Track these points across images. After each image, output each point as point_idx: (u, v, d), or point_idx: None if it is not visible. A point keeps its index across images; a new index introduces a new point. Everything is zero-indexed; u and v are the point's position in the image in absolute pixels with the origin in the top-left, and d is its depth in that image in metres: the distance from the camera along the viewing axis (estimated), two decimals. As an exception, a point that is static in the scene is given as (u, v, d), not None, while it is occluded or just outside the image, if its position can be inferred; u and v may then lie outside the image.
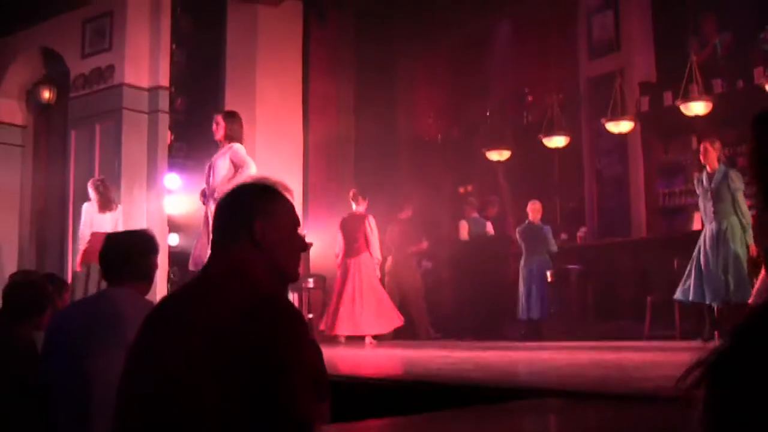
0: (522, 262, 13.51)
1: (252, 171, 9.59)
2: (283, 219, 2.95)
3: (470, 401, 3.98)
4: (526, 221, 13.75)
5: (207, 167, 9.98)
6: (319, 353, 3.12)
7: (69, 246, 14.25)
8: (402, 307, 14.10)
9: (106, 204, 12.69)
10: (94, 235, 12.20)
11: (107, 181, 12.96)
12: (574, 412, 3.28)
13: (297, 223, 3.02)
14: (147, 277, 4.44)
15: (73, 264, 13.16)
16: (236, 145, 9.75)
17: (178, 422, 2.51)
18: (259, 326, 2.55)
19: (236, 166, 9.64)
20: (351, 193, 13.99)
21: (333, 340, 13.03)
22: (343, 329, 13.20)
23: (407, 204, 14.96)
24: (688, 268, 10.69)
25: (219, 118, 9.93)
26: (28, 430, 4.24)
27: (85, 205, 12.82)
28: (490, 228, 14.96)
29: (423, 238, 15.24)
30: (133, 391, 2.68)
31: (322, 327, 13.43)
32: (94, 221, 12.57)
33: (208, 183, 9.88)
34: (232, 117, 10.02)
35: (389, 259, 14.64)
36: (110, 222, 12.52)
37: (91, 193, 12.73)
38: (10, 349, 5.10)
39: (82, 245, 12.65)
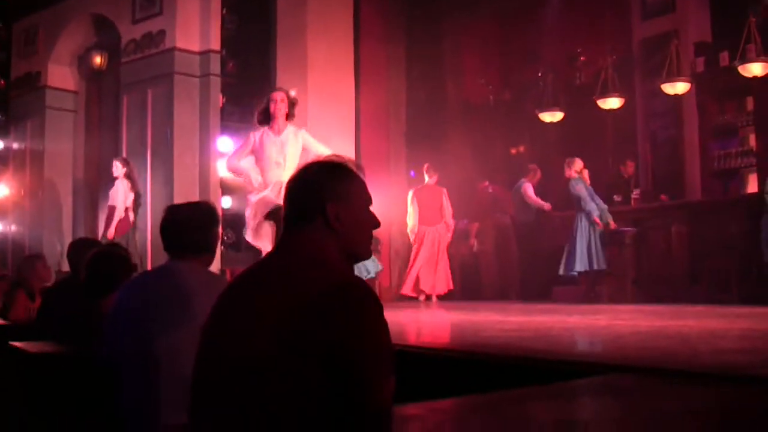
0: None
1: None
2: (355, 200, 2.93)
3: (533, 377, 3.95)
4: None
5: (256, 140, 9.61)
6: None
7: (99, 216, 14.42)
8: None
9: (133, 183, 13.15)
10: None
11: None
12: (647, 391, 3.23)
13: (369, 202, 3.00)
14: (210, 250, 4.41)
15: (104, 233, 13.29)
16: (303, 130, 9.55)
17: (256, 404, 2.51)
18: (339, 311, 2.54)
19: (311, 150, 9.46)
20: (425, 167, 14.89)
21: (408, 299, 14.26)
22: (425, 288, 14.52)
23: (433, 170, 14.91)
24: None
25: (284, 95, 9.58)
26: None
27: (124, 181, 13.15)
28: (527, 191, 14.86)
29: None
30: (210, 373, 2.68)
31: (403, 291, 14.76)
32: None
33: (260, 157, 9.55)
34: (291, 97, 9.67)
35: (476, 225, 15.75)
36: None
37: (122, 170, 13.11)
38: (92, 320, 5.08)
39: (117, 217, 13.00)
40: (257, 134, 9.58)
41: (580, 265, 12.86)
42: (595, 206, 12.88)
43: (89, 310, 5.22)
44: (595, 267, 12.81)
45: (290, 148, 9.42)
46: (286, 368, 2.48)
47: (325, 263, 2.75)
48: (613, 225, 12.94)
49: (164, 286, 4.13)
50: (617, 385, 3.39)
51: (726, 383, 3.41)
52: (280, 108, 9.42)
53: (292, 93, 9.86)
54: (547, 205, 14.71)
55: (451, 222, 14.77)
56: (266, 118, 9.54)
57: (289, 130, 9.48)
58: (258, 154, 9.49)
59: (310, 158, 9.25)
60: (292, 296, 2.58)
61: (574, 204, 13.15)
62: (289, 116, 9.52)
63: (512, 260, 15.38)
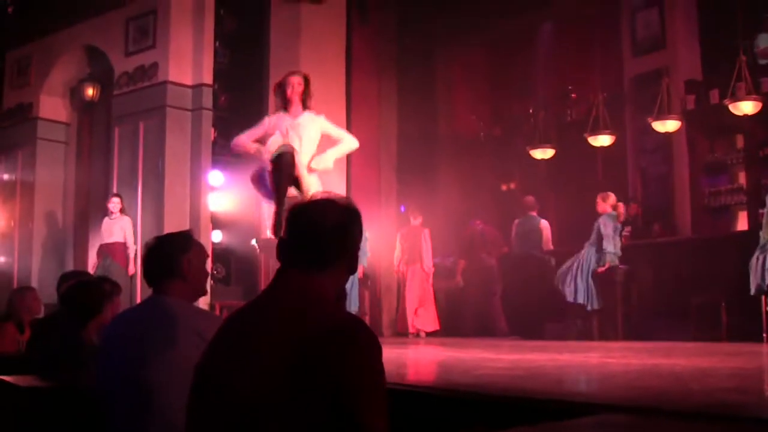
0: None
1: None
2: (358, 242, 2.95)
3: (525, 416, 3.94)
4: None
5: (271, 122, 9.38)
6: None
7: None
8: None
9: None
10: None
11: None
12: (640, 431, 3.23)
13: None
14: (181, 276, 4.34)
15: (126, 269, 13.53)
16: (323, 116, 9.29)
17: None
18: (343, 352, 2.56)
19: (334, 137, 9.33)
20: (410, 209, 15.45)
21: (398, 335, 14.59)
22: (413, 325, 15.02)
23: (417, 211, 15.16)
24: None
25: (300, 80, 9.30)
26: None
27: (125, 217, 13.46)
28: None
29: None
30: (209, 408, 2.67)
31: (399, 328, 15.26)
32: None
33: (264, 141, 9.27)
34: (308, 82, 9.39)
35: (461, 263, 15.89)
36: None
37: (119, 205, 13.35)
38: (76, 351, 5.12)
39: (133, 253, 13.35)
40: (272, 117, 9.41)
41: (582, 297, 12.83)
42: (612, 249, 12.79)
43: (73, 341, 5.25)
44: (593, 307, 12.80)
45: (306, 132, 9.12)
46: (290, 407, 2.49)
47: (327, 303, 2.77)
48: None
49: (147, 318, 4.14)
50: (610, 424, 3.38)
51: (719, 423, 3.40)
52: (296, 91, 9.20)
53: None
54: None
55: (428, 264, 15.22)
56: (283, 102, 9.32)
57: (307, 114, 9.23)
58: (272, 133, 9.23)
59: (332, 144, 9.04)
60: (299, 335, 2.58)
61: (592, 236, 13.07)
62: (306, 104, 9.24)
63: (495, 300, 15.50)
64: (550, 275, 13.90)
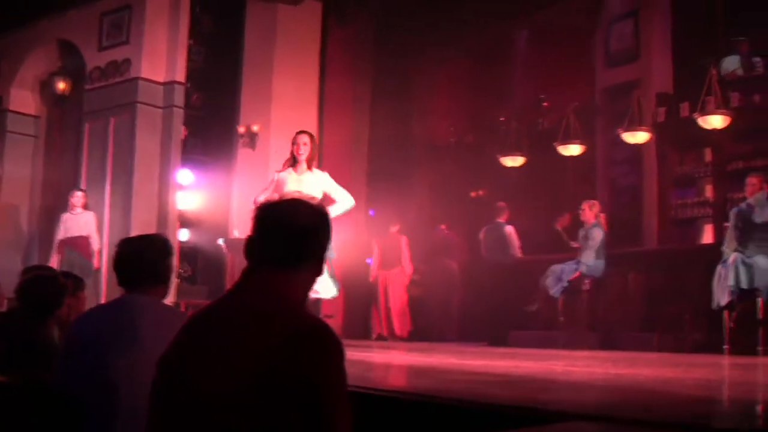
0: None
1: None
2: (326, 245, 2.96)
3: (492, 422, 3.95)
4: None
5: (277, 178, 9.76)
6: None
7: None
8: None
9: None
10: None
11: None
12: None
13: None
14: (164, 282, 4.40)
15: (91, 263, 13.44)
16: (327, 174, 9.71)
17: None
18: (309, 356, 2.56)
19: (334, 196, 9.58)
20: (389, 218, 15.75)
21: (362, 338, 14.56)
22: (383, 329, 15.34)
23: (396, 219, 15.33)
24: None
25: (307, 139, 9.74)
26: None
27: (89, 212, 13.38)
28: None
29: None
30: (172, 407, 2.66)
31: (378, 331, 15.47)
32: None
33: (280, 193, 9.52)
34: (314, 140, 9.92)
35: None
36: None
37: (82, 200, 13.33)
38: (35, 347, 5.08)
39: (97, 247, 13.25)
40: (281, 173, 9.74)
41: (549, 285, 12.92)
42: (592, 261, 12.86)
43: (28, 337, 5.21)
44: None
45: (308, 189, 9.32)
46: (255, 407, 2.49)
47: (295, 306, 2.77)
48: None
49: (120, 318, 4.12)
50: (579, 432, 3.41)
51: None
52: (302, 151, 9.57)
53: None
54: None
55: (407, 267, 15.50)
56: (291, 161, 9.71)
57: (309, 173, 9.59)
58: (279, 191, 9.47)
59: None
60: (267, 337, 2.57)
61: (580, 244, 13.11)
62: (310, 163, 9.65)
63: (454, 305, 15.66)
64: (519, 283, 13.99)
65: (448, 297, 15.86)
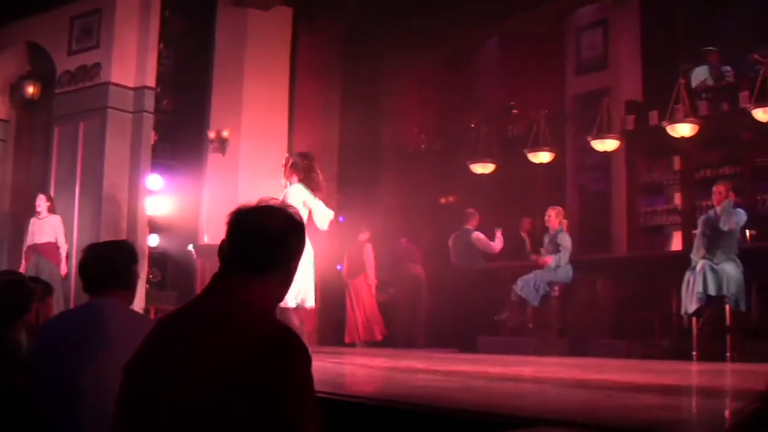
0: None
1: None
2: (299, 254, 2.96)
3: (459, 427, 3.96)
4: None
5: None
6: None
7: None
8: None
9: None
10: None
11: None
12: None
13: None
14: (130, 287, 4.40)
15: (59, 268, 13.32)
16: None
17: None
18: (275, 362, 2.56)
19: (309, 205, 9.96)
20: (359, 225, 15.65)
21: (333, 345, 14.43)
22: (350, 335, 15.38)
23: (365, 227, 15.36)
24: None
25: (286, 159, 10.28)
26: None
27: (55, 216, 13.28)
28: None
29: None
30: (139, 411, 2.65)
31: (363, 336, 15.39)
32: None
33: None
34: (290, 160, 10.31)
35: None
36: None
37: (46, 204, 13.27)
38: (2, 352, 5.05)
39: (64, 252, 13.14)
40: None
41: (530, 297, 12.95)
42: (564, 264, 12.94)
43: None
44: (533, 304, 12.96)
45: (291, 201, 9.54)
46: (220, 412, 2.48)
47: (264, 314, 2.77)
48: None
49: (87, 323, 4.10)
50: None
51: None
52: (282, 171, 10.06)
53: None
54: (499, 246, 14.75)
55: (371, 275, 15.53)
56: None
57: (291, 186, 9.93)
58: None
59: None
60: (234, 343, 2.57)
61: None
62: (290, 179, 10.00)
63: (421, 311, 15.70)
64: (488, 289, 14.04)
65: (416, 303, 15.88)
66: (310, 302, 10.06)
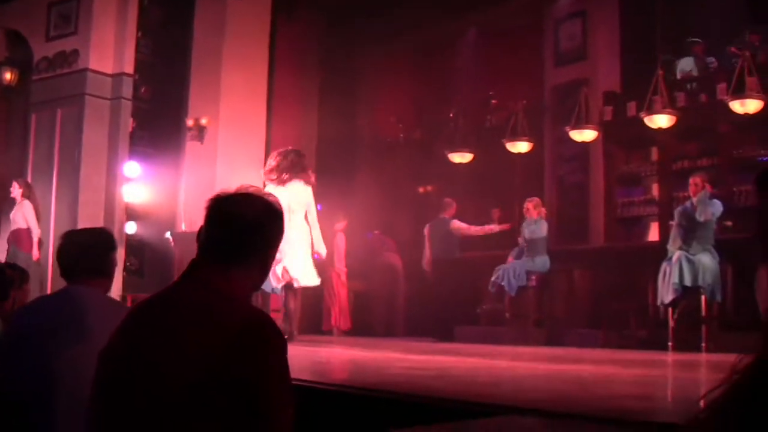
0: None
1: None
2: (276, 242, 2.95)
3: (433, 416, 3.97)
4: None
5: None
6: None
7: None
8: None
9: (35, 205, 13.15)
10: None
11: None
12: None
13: None
14: (107, 275, 4.39)
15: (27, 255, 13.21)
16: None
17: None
18: (251, 348, 2.56)
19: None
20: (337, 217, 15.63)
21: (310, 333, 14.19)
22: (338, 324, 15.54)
23: (342, 216, 15.34)
24: None
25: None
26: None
27: (27, 202, 13.16)
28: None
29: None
30: (113, 399, 2.65)
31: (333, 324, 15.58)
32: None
33: None
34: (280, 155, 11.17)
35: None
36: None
37: (19, 190, 13.18)
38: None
39: (36, 238, 13.02)
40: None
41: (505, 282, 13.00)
42: (543, 256, 13.03)
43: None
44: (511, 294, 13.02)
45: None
46: (195, 398, 2.48)
47: (240, 301, 2.77)
48: None
49: (63, 309, 4.08)
50: (516, 426, 3.43)
51: (623, 427, 3.47)
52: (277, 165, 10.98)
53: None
54: (490, 228, 14.82)
55: (339, 265, 15.66)
56: None
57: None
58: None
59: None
60: (209, 330, 2.57)
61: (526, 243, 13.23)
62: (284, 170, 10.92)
63: (399, 301, 15.73)
64: (466, 278, 14.08)
65: (393, 293, 15.92)
66: (311, 281, 11.05)
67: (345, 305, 15.53)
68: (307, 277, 10.94)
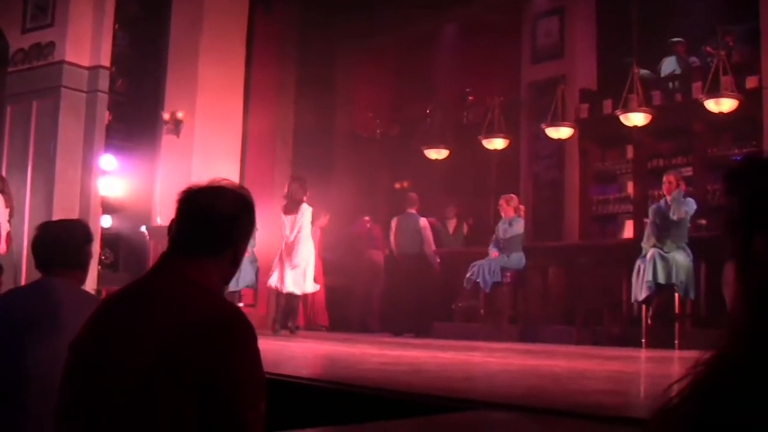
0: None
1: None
2: (248, 234, 2.96)
3: (406, 410, 3.99)
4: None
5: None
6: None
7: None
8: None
9: (8, 199, 12.93)
10: None
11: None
12: (517, 428, 3.30)
13: None
14: (83, 267, 4.38)
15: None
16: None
17: (130, 424, 2.51)
18: (221, 340, 2.57)
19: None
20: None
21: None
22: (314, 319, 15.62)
23: (324, 212, 15.26)
24: None
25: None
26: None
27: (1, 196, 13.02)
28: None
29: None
30: (82, 389, 2.65)
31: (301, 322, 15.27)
32: None
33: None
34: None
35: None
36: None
37: None
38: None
39: (5, 231, 12.85)
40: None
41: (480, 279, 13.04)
42: (519, 253, 13.10)
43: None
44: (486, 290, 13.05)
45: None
46: (163, 390, 2.49)
47: (211, 293, 2.76)
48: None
49: (37, 303, 4.07)
50: (488, 420, 3.45)
51: (594, 422, 3.50)
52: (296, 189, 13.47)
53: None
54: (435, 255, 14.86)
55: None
56: None
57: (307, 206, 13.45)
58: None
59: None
60: (178, 321, 2.58)
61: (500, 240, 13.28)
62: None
63: (379, 296, 15.73)
64: (444, 274, 14.13)
65: (371, 288, 15.89)
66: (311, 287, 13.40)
67: (320, 301, 15.47)
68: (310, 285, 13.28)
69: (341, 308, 15.87)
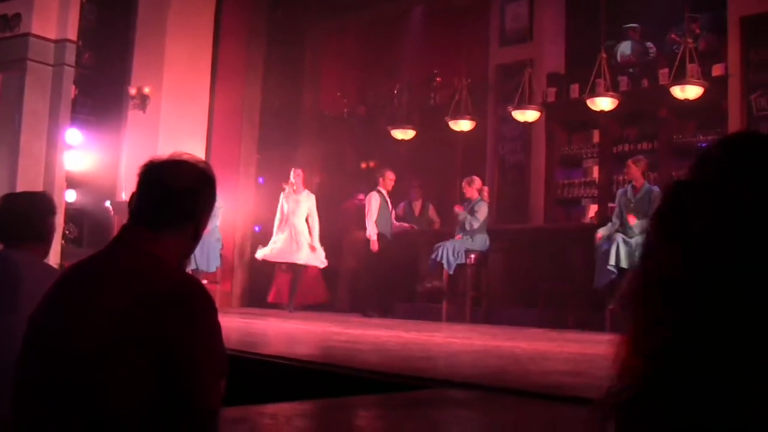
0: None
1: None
2: (209, 208, 2.95)
3: (366, 388, 4.01)
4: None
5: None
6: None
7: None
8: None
9: None
10: None
11: None
12: (477, 405, 3.32)
13: None
14: (45, 239, 4.35)
15: None
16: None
17: (86, 396, 2.50)
18: (178, 311, 2.57)
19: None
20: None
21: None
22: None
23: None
24: None
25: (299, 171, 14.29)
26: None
27: None
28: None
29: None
30: (39, 362, 2.64)
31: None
32: None
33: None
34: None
35: None
36: None
37: None
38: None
39: None
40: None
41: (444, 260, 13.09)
42: (481, 235, 13.18)
43: None
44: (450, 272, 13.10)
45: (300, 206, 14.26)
46: (121, 361, 2.49)
47: (169, 264, 2.76)
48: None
49: (-3, 275, 4.05)
50: (449, 398, 3.48)
51: (553, 402, 3.53)
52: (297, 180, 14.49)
53: None
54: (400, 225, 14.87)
55: None
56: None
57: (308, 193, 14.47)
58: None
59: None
60: (136, 292, 2.57)
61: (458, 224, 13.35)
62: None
63: (343, 275, 15.82)
64: (407, 254, 14.16)
65: (358, 267, 15.75)
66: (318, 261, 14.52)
67: (316, 278, 15.42)
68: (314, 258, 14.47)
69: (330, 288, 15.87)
